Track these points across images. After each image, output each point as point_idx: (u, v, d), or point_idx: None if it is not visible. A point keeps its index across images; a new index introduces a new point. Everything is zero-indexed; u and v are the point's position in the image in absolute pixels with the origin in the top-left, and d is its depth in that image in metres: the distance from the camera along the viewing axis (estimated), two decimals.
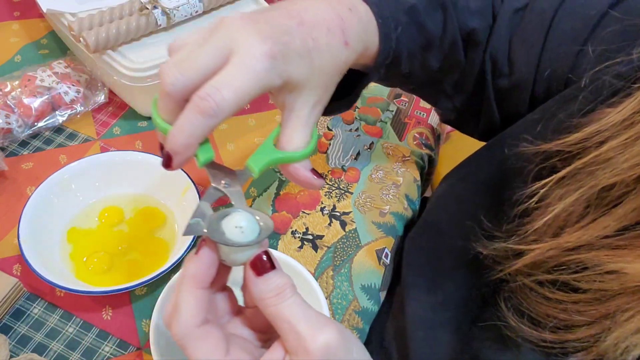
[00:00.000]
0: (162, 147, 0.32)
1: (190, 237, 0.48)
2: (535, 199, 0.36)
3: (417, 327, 0.47)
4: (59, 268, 0.49)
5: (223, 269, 0.31)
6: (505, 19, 0.44)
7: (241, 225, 0.29)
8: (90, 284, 0.48)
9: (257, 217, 0.30)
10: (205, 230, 0.29)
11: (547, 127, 0.38)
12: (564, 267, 0.34)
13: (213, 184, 0.32)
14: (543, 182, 0.36)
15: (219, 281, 0.32)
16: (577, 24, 0.41)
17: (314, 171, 0.35)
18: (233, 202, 0.31)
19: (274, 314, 0.28)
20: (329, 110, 0.39)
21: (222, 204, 0.55)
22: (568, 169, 0.34)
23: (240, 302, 0.34)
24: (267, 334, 0.32)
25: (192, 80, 0.29)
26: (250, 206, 0.57)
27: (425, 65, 0.44)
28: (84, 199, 0.54)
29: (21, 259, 0.47)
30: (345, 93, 0.41)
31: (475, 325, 0.41)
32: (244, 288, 0.31)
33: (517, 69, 0.44)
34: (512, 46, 0.44)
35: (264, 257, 0.29)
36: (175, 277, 0.45)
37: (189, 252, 0.48)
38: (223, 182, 0.32)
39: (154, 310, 0.42)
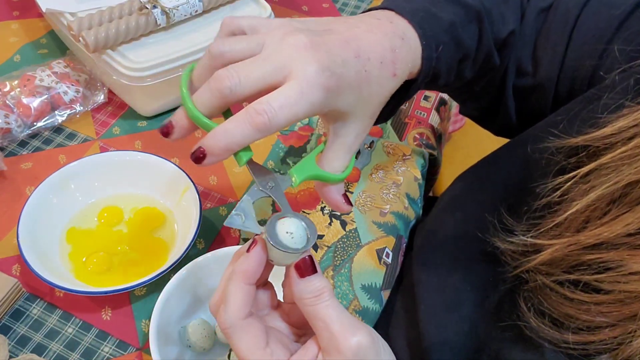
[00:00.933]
0: (168, 130, 0.33)
1: (191, 237, 0.48)
2: (558, 193, 0.36)
3: (431, 327, 0.46)
4: (58, 268, 0.49)
5: (267, 266, 0.33)
6: (531, 18, 0.45)
7: (292, 231, 0.31)
8: (90, 284, 0.48)
9: (304, 224, 0.32)
10: (243, 222, 0.32)
11: (571, 126, 0.38)
12: (585, 267, 0.33)
13: (259, 184, 0.33)
14: (567, 176, 0.35)
15: (263, 277, 0.33)
16: (601, 23, 0.41)
17: (345, 196, 0.37)
18: (281, 206, 0.33)
19: (312, 313, 0.30)
20: None
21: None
22: (594, 164, 0.34)
23: (279, 296, 0.36)
24: (302, 329, 0.34)
25: (248, 91, 0.31)
26: None
27: (460, 76, 0.44)
28: (83, 199, 0.54)
29: (20, 259, 0.47)
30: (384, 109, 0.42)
31: (493, 325, 0.41)
32: (285, 285, 0.33)
33: (541, 68, 0.44)
34: (536, 45, 0.45)
35: (308, 261, 0.31)
36: (175, 277, 0.45)
37: (187, 252, 0.48)
38: (268, 183, 0.33)
39: (154, 311, 0.42)
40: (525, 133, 0.44)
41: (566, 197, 0.35)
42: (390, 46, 0.35)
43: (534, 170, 0.39)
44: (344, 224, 0.56)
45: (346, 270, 0.52)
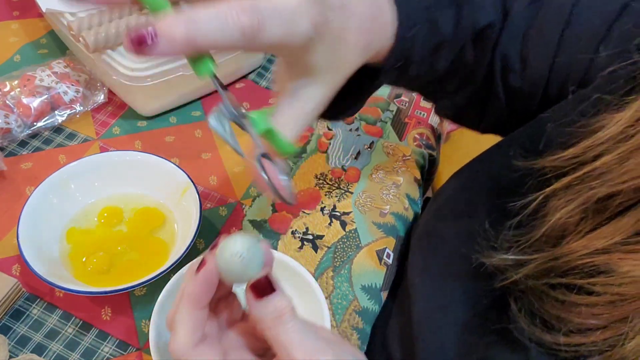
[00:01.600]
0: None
1: (191, 237, 0.48)
2: (528, 210, 0.36)
3: (423, 329, 0.46)
4: (58, 268, 0.48)
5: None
6: (520, 12, 0.41)
7: (241, 252, 0.28)
8: (90, 284, 0.48)
9: (260, 243, 0.30)
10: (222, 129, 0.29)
11: (554, 135, 0.37)
12: (576, 271, 0.33)
13: (229, 100, 0.29)
14: (536, 194, 0.36)
15: (220, 290, 0.31)
16: (595, 20, 0.39)
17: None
18: (249, 131, 0.29)
19: (272, 337, 0.28)
20: (333, 115, 0.38)
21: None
22: (563, 182, 0.34)
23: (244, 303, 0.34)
24: (267, 342, 0.32)
25: None
26: (250, 206, 0.57)
27: (433, 68, 0.41)
28: (83, 199, 0.54)
29: (20, 259, 0.47)
30: (349, 99, 0.40)
31: (484, 329, 0.41)
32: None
33: (530, 66, 0.42)
34: (525, 42, 0.42)
35: (264, 281, 0.29)
36: (175, 277, 0.45)
37: (187, 252, 0.48)
38: (241, 106, 0.30)
39: (154, 311, 0.42)
40: (513, 134, 0.43)
41: (540, 213, 0.35)
42: (371, 14, 0.33)
43: (511, 186, 0.38)
44: (343, 225, 0.56)
45: (346, 271, 0.52)
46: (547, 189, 0.35)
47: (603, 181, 0.32)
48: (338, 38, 0.31)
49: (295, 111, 0.32)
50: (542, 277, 0.35)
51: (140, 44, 0.24)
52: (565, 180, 0.34)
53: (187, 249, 0.48)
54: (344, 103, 0.37)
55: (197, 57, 0.26)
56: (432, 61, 0.40)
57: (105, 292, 0.45)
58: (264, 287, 0.29)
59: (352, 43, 0.32)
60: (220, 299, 0.32)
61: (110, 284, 0.47)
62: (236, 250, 0.28)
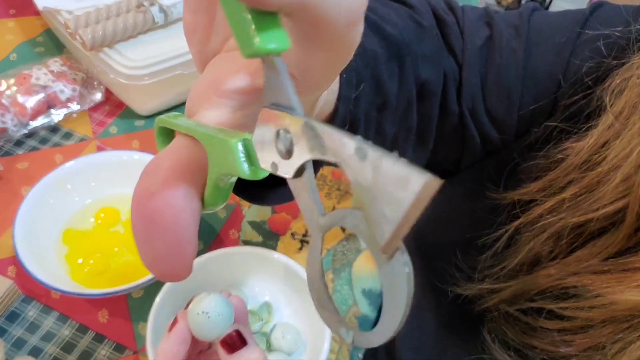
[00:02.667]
0: None
1: None
2: (501, 243, 0.35)
3: (405, 350, 0.47)
4: (54, 270, 0.48)
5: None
6: (472, 61, 0.37)
7: (207, 311, 0.30)
8: (86, 286, 0.47)
9: (229, 300, 0.31)
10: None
11: (507, 174, 0.36)
12: (547, 294, 0.33)
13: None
14: (506, 227, 0.35)
15: (201, 344, 0.33)
16: (549, 57, 0.36)
17: None
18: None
19: None
20: (265, 201, 0.32)
21: None
22: (531, 215, 0.33)
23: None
24: None
25: None
26: (249, 207, 0.56)
27: (380, 131, 0.35)
28: (80, 200, 0.53)
29: (16, 260, 0.46)
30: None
31: (461, 356, 0.41)
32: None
33: (499, 121, 0.38)
34: (486, 91, 0.38)
35: (234, 336, 0.30)
36: (169, 282, 0.44)
37: None
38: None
39: (151, 313, 0.42)
40: (480, 164, 0.40)
41: (511, 243, 0.35)
42: None
43: (478, 219, 0.38)
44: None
45: (346, 274, 0.52)
46: (517, 222, 0.34)
47: (574, 211, 0.31)
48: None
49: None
50: (514, 302, 0.35)
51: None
52: (534, 212, 0.33)
53: None
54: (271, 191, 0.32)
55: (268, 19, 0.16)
56: (377, 124, 0.34)
57: (102, 295, 0.44)
58: (234, 342, 0.30)
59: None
60: (202, 352, 0.34)
61: (107, 285, 0.47)
62: (202, 309, 0.30)
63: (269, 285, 0.48)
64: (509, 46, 0.37)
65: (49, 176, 0.51)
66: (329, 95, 0.28)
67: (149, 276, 0.45)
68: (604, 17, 0.36)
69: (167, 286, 0.44)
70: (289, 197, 0.24)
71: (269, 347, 0.45)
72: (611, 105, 0.31)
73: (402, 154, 0.37)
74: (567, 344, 0.31)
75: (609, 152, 0.31)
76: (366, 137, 0.31)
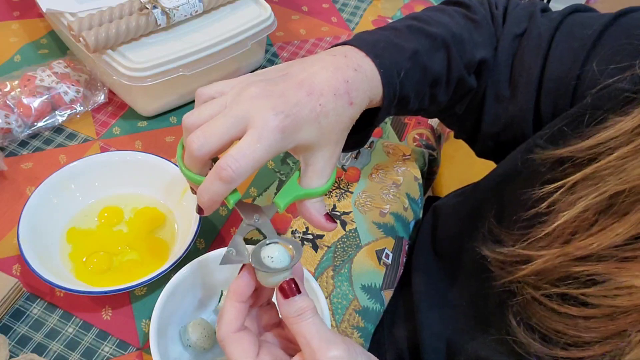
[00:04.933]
0: (200, 212, 0.38)
1: (191, 237, 0.48)
2: (545, 204, 0.36)
3: (427, 336, 0.47)
4: (58, 268, 0.49)
5: (266, 289, 0.37)
6: (506, 45, 0.47)
7: (272, 255, 0.35)
8: (90, 284, 0.48)
9: (289, 246, 0.36)
10: (234, 257, 0.36)
11: (557, 139, 0.39)
12: (571, 281, 0.34)
13: (246, 221, 0.37)
14: (553, 185, 0.36)
15: (262, 298, 0.38)
16: (574, 44, 0.42)
17: (327, 216, 0.39)
18: (265, 234, 0.37)
19: (295, 330, 0.33)
20: (344, 148, 0.41)
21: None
22: (578, 175, 0.35)
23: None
24: (297, 345, 0.35)
25: (215, 147, 0.34)
26: None
27: (435, 100, 0.47)
28: (84, 199, 0.54)
29: (21, 259, 0.47)
30: (360, 127, 0.43)
31: (484, 339, 0.41)
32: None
33: (518, 93, 0.46)
34: (512, 71, 0.46)
35: (291, 284, 0.34)
36: (176, 277, 0.45)
37: (187, 252, 0.48)
38: (254, 217, 0.38)
39: (154, 311, 0.42)
40: (515, 151, 0.45)
41: (554, 207, 0.36)
42: (343, 78, 0.37)
43: (522, 182, 0.40)
44: (344, 224, 0.56)
45: (346, 271, 0.52)
46: (566, 180, 0.35)
47: (616, 177, 0.32)
48: (313, 118, 0.36)
49: (311, 173, 0.38)
50: (541, 283, 0.35)
51: (200, 213, 0.37)
52: (584, 171, 0.35)
53: (187, 249, 0.48)
54: (351, 138, 0.41)
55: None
56: (432, 95, 0.46)
57: (106, 292, 0.45)
58: (290, 289, 0.34)
59: (332, 112, 0.37)
60: (262, 306, 0.38)
61: (111, 283, 0.48)
62: (268, 253, 0.35)
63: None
64: (538, 32, 0.45)
65: (53, 176, 0.52)
66: (373, 93, 0.39)
67: (151, 274, 0.46)
68: (628, 23, 0.41)
69: (170, 284, 0.44)
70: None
71: None
72: None
73: (453, 113, 0.51)
74: (592, 330, 0.32)
75: None
76: (420, 105, 0.46)
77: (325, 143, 0.37)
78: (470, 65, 0.46)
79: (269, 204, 0.38)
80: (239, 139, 0.34)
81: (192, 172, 0.36)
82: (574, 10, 0.45)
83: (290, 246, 0.36)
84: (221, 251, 0.47)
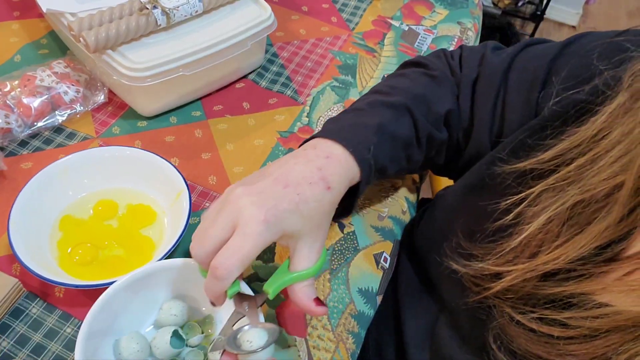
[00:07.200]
0: (213, 304, 0.41)
1: (177, 237, 0.48)
2: (511, 215, 0.36)
3: (412, 348, 0.48)
4: (44, 254, 0.49)
5: None
6: (465, 92, 0.50)
7: (250, 340, 0.39)
8: (72, 274, 0.48)
9: (266, 330, 0.39)
10: (225, 345, 0.39)
11: (517, 151, 0.40)
12: (549, 304, 0.34)
13: (237, 309, 0.41)
14: (517, 197, 0.36)
15: None
16: (527, 76, 0.45)
17: (317, 300, 0.40)
18: (249, 320, 0.41)
19: None
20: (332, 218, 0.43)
21: None
22: (540, 186, 0.35)
23: None
24: None
25: (209, 251, 0.38)
26: None
27: (411, 160, 0.50)
28: (83, 188, 0.54)
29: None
30: (344, 197, 0.45)
31: (466, 353, 0.42)
32: None
33: (475, 131, 0.49)
34: (472, 114, 0.50)
35: None
36: (113, 287, 0.43)
37: (171, 253, 0.48)
38: (245, 306, 0.41)
39: (84, 321, 0.40)
40: (482, 159, 0.46)
41: (519, 219, 0.36)
42: (316, 167, 0.41)
43: (488, 194, 0.41)
44: (341, 226, 0.56)
45: (343, 274, 0.52)
46: (530, 190, 0.36)
47: (576, 186, 0.33)
48: (294, 207, 0.38)
49: (298, 259, 0.40)
50: (517, 308, 0.35)
51: (213, 305, 0.41)
52: (545, 181, 0.35)
53: (167, 253, 0.47)
54: (338, 209, 0.44)
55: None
56: (408, 157, 0.49)
57: (92, 286, 0.45)
58: None
59: (311, 199, 0.39)
60: None
61: (92, 277, 0.48)
62: (247, 338, 0.39)
63: None
64: (490, 71, 0.48)
65: (57, 163, 0.53)
66: (350, 173, 0.43)
67: (130, 273, 0.45)
68: (577, 48, 0.43)
69: (105, 294, 0.42)
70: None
71: None
72: (628, 86, 0.34)
73: (435, 165, 0.56)
74: (573, 355, 0.32)
75: (615, 127, 0.33)
76: (399, 168, 0.49)
77: (308, 230, 0.39)
78: (437, 120, 0.49)
79: None
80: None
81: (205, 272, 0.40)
82: (526, 45, 0.48)
83: (266, 329, 0.39)
84: (163, 263, 0.45)
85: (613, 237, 0.32)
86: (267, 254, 0.53)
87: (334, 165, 0.41)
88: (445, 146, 0.52)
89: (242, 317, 0.41)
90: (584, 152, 0.34)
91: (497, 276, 0.37)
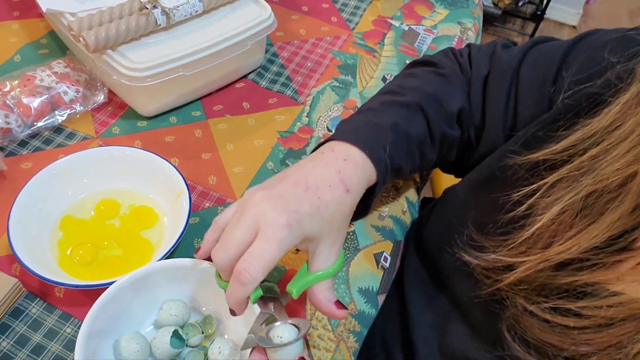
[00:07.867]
0: (232, 313, 0.41)
1: (174, 240, 0.48)
2: (524, 207, 0.36)
3: (420, 343, 0.48)
4: (43, 254, 0.49)
5: None
6: (476, 89, 0.50)
7: (280, 335, 0.39)
8: (72, 274, 0.48)
9: (295, 324, 0.40)
10: (258, 341, 0.40)
11: (531, 144, 0.40)
12: (563, 294, 0.34)
13: (263, 310, 0.42)
14: (529, 188, 0.36)
15: None
16: (539, 72, 0.45)
17: (337, 303, 0.40)
18: (279, 318, 0.41)
19: None
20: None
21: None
22: (553, 176, 0.35)
23: None
24: None
25: (233, 256, 0.37)
26: None
27: (425, 159, 0.50)
28: (83, 188, 0.54)
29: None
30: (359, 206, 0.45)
31: (480, 350, 0.41)
32: None
33: (487, 127, 0.49)
34: (485, 111, 0.49)
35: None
36: (114, 286, 0.43)
37: (171, 253, 0.47)
38: (270, 306, 0.42)
39: (84, 321, 0.40)
40: (493, 154, 0.46)
41: (532, 211, 0.36)
42: (335, 170, 0.41)
43: (499, 186, 0.41)
44: None
45: (343, 274, 0.52)
46: (540, 182, 0.36)
47: (589, 177, 0.33)
48: (314, 211, 0.38)
49: (317, 262, 0.40)
50: (531, 295, 0.35)
51: (233, 314, 0.40)
52: (558, 172, 0.35)
53: (164, 255, 0.47)
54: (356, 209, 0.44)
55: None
56: (421, 155, 0.49)
57: (93, 286, 0.44)
58: None
59: (330, 202, 0.39)
60: None
61: (92, 277, 0.48)
62: (278, 334, 0.39)
63: (212, 299, 0.46)
64: (500, 69, 0.48)
65: (58, 162, 0.53)
66: (367, 175, 0.43)
67: (128, 274, 0.45)
68: (588, 43, 0.43)
69: (106, 293, 0.42)
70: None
71: None
72: None
73: (445, 162, 0.56)
74: (587, 343, 0.32)
75: (629, 118, 0.33)
76: (413, 166, 0.50)
77: (327, 232, 0.39)
78: (450, 118, 0.49)
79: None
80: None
81: (225, 280, 0.40)
82: (536, 42, 0.48)
83: (295, 324, 0.40)
84: (165, 263, 0.45)
85: (626, 226, 0.32)
86: None
87: (352, 168, 0.42)
88: (457, 144, 0.52)
89: (268, 317, 0.42)
90: (598, 142, 0.34)
91: (510, 268, 0.37)
